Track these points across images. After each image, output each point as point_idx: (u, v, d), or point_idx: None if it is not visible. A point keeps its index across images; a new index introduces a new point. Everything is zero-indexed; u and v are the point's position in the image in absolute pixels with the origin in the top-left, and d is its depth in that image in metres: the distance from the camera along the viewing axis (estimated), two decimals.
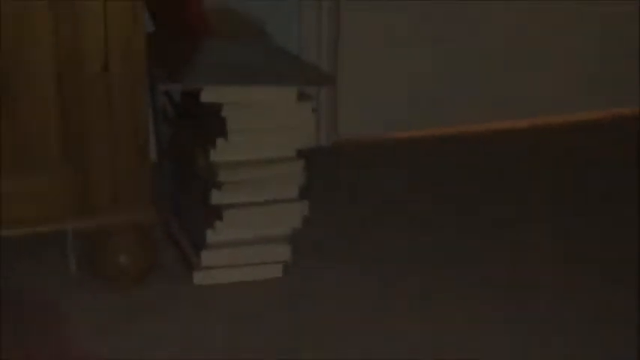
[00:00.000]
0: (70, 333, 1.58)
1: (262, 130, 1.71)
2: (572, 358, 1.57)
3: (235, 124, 1.67)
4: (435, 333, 1.63)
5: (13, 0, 1.52)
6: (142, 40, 1.59)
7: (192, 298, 1.71)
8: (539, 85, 2.67)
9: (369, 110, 2.53)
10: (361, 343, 1.60)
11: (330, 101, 2.48)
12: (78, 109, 1.60)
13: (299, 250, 1.83)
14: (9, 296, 1.67)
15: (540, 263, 1.89)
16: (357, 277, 1.81)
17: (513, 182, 2.30)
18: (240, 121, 1.68)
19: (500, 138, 2.58)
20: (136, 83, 1.60)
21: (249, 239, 1.75)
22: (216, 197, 1.71)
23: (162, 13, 1.99)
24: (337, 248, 1.92)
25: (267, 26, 2.29)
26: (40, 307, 1.65)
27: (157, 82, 1.79)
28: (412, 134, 2.57)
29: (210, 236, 1.73)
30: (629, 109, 2.73)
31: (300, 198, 1.75)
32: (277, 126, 1.72)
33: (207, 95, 1.67)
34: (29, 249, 1.79)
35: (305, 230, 1.83)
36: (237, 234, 1.74)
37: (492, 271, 1.85)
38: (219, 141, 1.68)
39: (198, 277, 1.73)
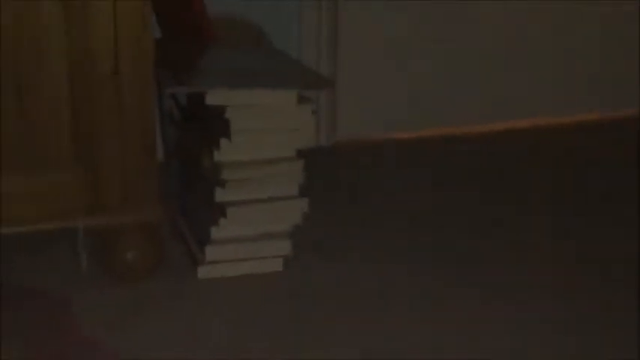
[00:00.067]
0: (79, 325, 1.61)
1: (264, 131, 1.77)
2: (572, 358, 1.57)
3: (238, 125, 1.73)
4: (435, 333, 1.63)
5: (27, 0, 1.54)
6: (150, 41, 1.62)
7: (197, 291, 1.74)
8: (539, 85, 2.67)
9: (368, 110, 2.54)
10: (360, 339, 1.60)
11: (330, 101, 2.49)
12: (88, 109, 1.63)
13: (299, 248, 1.84)
14: (21, 291, 1.71)
15: (540, 263, 1.89)
16: (356, 274, 1.81)
17: (513, 182, 2.30)
18: (243, 122, 1.74)
19: (500, 138, 2.58)
20: (144, 83, 1.63)
21: (252, 235, 1.81)
22: (220, 195, 1.76)
23: (166, 12, 2.03)
24: (337, 246, 1.92)
25: (266, 27, 2.30)
26: (52, 301, 1.68)
27: (164, 85, 1.84)
28: (412, 134, 2.58)
29: (214, 232, 1.79)
30: (629, 109, 2.74)
31: (300, 196, 1.80)
32: (278, 127, 1.77)
33: (212, 98, 1.72)
34: (41, 246, 1.83)
35: (305, 229, 1.85)
36: (240, 230, 1.80)
37: (492, 271, 1.85)
38: (223, 142, 1.74)
39: (203, 272, 1.79)
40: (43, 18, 1.56)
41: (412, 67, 2.54)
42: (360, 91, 2.51)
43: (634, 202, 2.14)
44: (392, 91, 2.54)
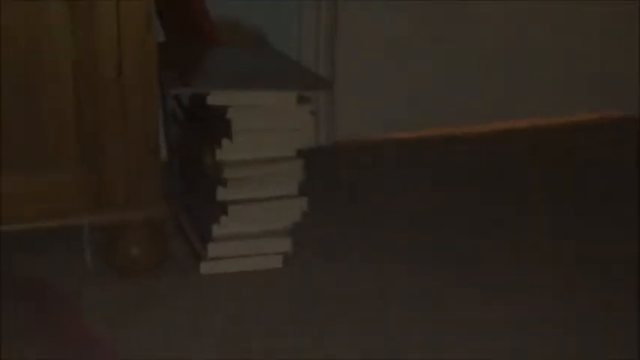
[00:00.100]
0: (81, 321, 1.62)
1: (264, 131, 1.79)
2: (572, 358, 1.57)
3: (240, 125, 1.76)
4: (435, 333, 1.63)
5: (33, 1, 1.55)
6: (154, 41, 1.63)
7: (200, 286, 1.77)
8: (539, 85, 2.67)
9: (368, 110, 2.54)
10: (360, 338, 1.60)
11: (330, 101, 2.49)
12: (93, 109, 1.64)
13: (299, 248, 1.85)
14: (28, 286, 1.73)
15: (540, 263, 1.89)
16: (356, 274, 1.82)
17: (513, 182, 2.30)
18: (244, 122, 1.76)
19: (500, 138, 2.58)
20: (148, 84, 1.65)
21: (252, 232, 1.84)
22: (222, 193, 1.79)
23: (169, 13, 2.06)
24: (337, 246, 1.93)
25: (266, 27, 2.30)
26: (58, 296, 1.70)
27: (168, 86, 1.88)
28: (412, 134, 2.58)
29: (216, 230, 1.82)
30: (629, 109, 2.74)
31: (299, 194, 1.83)
32: (278, 127, 1.80)
33: (214, 99, 1.75)
34: (48, 242, 1.85)
35: (305, 229, 1.86)
36: (241, 227, 1.83)
37: (492, 271, 1.85)
38: (225, 141, 1.77)
39: (205, 268, 1.81)
40: (50, 18, 1.57)
41: (412, 67, 2.54)
42: (360, 91, 2.51)
43: (634, 202, 2.14)
44: (392, 91, 2.54)
